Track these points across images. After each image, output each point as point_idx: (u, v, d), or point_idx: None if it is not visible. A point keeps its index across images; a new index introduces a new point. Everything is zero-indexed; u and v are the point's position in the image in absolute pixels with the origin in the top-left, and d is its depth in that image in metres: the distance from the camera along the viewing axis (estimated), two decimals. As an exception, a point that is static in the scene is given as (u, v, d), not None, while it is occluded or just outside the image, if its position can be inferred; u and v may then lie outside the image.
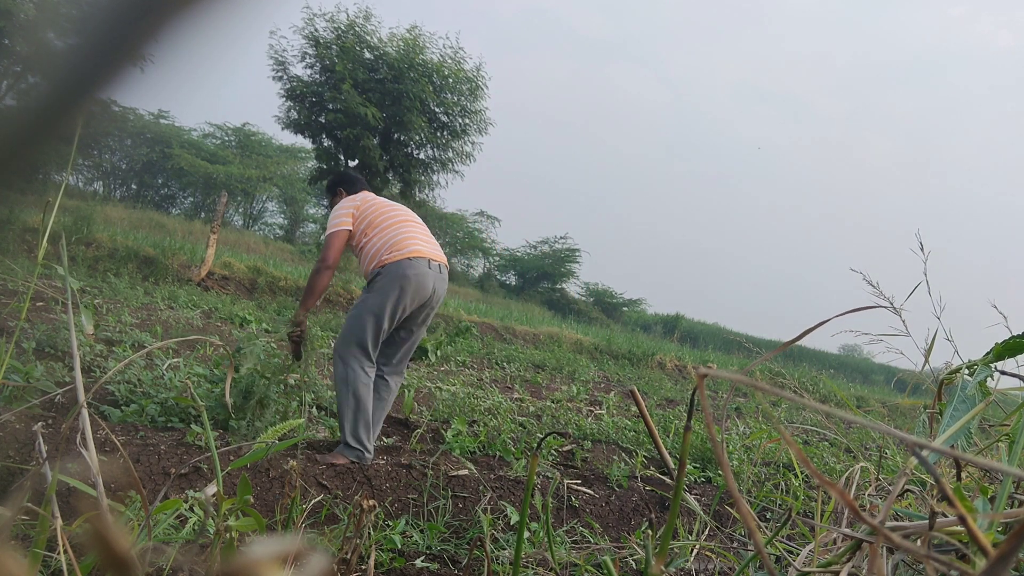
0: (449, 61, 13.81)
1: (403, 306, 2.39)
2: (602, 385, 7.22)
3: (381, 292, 2.37)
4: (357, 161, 13.71)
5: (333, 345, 2.52)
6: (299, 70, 13.63)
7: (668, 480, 2.89)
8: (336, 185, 2.80)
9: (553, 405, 4.54)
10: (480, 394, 4.49)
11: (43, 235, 0.93)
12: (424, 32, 13.63)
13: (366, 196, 2.62)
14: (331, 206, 2.73)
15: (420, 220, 2.64)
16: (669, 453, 3.08)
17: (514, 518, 2.16)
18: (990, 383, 0.83)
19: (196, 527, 1.66)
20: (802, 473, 2.73)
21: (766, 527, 2.00)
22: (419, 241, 2.48)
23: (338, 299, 9.33)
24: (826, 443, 4.32)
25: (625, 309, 31.87)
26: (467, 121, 14.50)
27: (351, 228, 2.52)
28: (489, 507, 2.26)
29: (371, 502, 1.05)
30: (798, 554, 0.93)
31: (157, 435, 2.32)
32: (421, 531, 2.04)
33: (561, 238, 30.20)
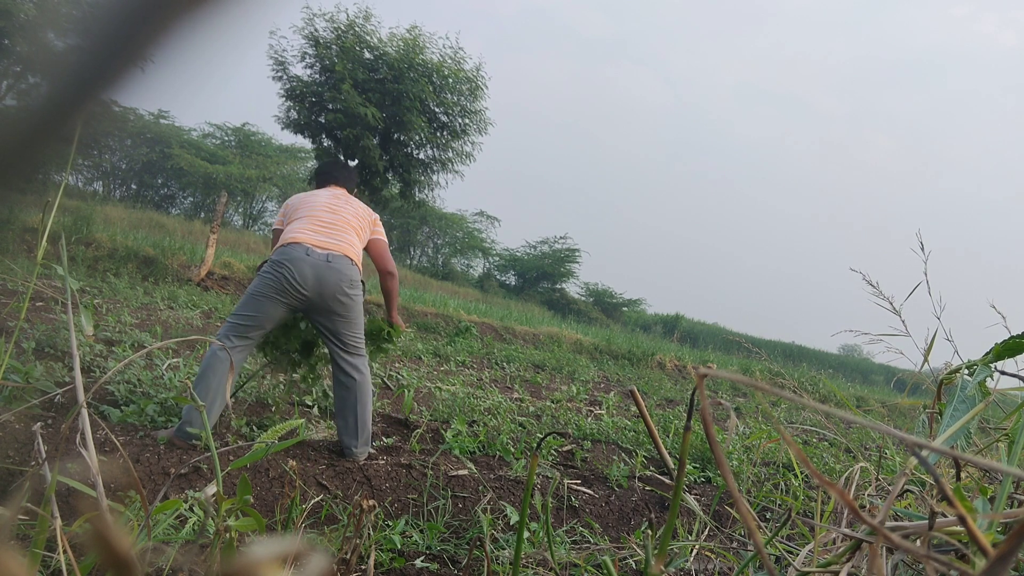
0: (449, 61, 13.80)
1: (281, 287, 2.41)
2: (602, 385, 7.22)
3: (260, 276, 2.49)
4: (357, 161, 13.71)
5: None
6: (299, 70, 13.63)
7: (668, 480, 2.89)
8: (316, 177, 2.99)
9: (553, 405, 4.54)
10: (480, 394, 4.49)
11: (43, 235, 0.93)
12: (424, 32, 13.61)
13: (301, 197, 2.76)
14: None
15: (334, 211, 2.65)
16: (669, 453, 3.08)
17: (514, 518, 2.16)
18: (990, 383, 0.83)
19: (196, 527, 1.66)
20: (802, 473, 2.73)
21: (766, 527, 2.00)
22: (305, 232, 2.54)
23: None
24: (826, 443, 4.32)
25: (625, 309, 31.88)
26: (467, 121, 14.49)
27: (281, 227, 2.72)
28: (489, 507, 2.26)
29: (371, 502, 1.05)
30: (798, 554, 0.93)
31: (157, 435, 2.32)
32: (421, 531, 2.04)
33: (561, 238, 30.25)
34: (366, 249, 2.78)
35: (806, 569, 0.78)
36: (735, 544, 1.81)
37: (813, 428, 3.52)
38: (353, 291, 2.54)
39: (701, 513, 1.72)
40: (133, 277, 7.80)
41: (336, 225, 2.60)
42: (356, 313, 2.58)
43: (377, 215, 2.84)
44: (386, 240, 2.83)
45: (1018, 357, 0.86)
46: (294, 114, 13.68)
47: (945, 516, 0.60)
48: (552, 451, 3.10)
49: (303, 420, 1.80)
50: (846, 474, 1.28)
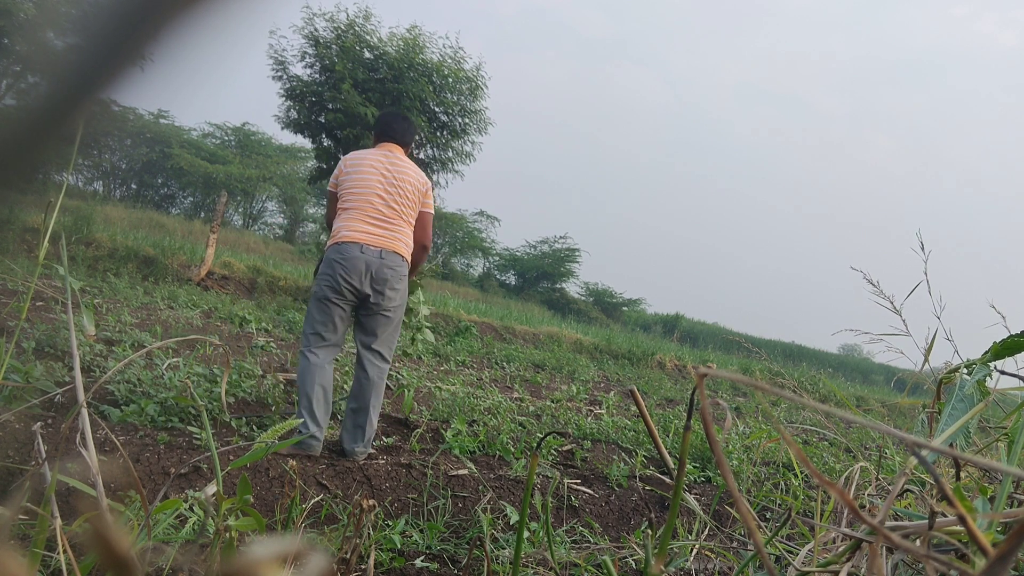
0: (449, 61, 13.79)
1: (339, 287, 2.51)
2: (602, 385, 7.22)
3: (318, 279, 2.57)
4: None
5: None
6: (299, 70, 13.60)
7: (668, 480, 2.89)
8: (374, 129, 2.87)
9: (553, 405, 4.54)
10: (480, 394, 4.49)
11: (44, 235, 0.93)
12: (424, 32, 13.59)
13: (356, 165, 2.65)
14: None
15: (388, 200, 2.62)
16: (669, 453, 3.08)
17: (514, 518, 2.16)
18: (989, 383, 0.83)
19: (196, 527, 1.66)
20: (802, 473, 2.73)
21: (766, 527, 2.00)
22: (358, 229, 2.55)
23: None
24: (826, 443, 4.32)
25: (625, 309, 31.86)
26: (467, 121, 14.49)
27: (334, 191, 2.68)
28: (489, 507, 2.26)
29: (371, 502, 1.06)
30: (798, 554, 0.93)
31: (157, 435, 2.32)
32: (421, 531, 2.04)
33: (561, 238, 30.22)
34: None
35: (806, 569, 0.78)
36: (735, 544, 1.81)
37: (813, 428, 3.52)
38: (400, 286, 2.63)
39: (701, 513, 1.72)
40: (133, 277, 7.80)
41: (390, 219, 2.61)
42: (398, 315, 2.68)
43: (430, 183, 2.80)
44: (433, 212, 2.81)
45: (1017, 356, 0.86)
46: (294, 114, 13.68)
47: (945, 516, 0.60)
48: (552, 451, 3.10)
49: (303, 419, 1.80)
50: (846, 474, 1.28)
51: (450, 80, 13.71)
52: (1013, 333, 0.84)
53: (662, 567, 0.55)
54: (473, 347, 8.08)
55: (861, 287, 1.36)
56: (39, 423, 1.32)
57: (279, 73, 13.69)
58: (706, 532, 2.09)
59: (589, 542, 2.15)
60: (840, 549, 0.81)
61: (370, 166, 2.63)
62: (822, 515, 1.15)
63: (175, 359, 3.45)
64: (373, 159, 2.65)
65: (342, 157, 2.72)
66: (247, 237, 19.69)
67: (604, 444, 3.47)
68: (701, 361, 12.24)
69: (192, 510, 1.71)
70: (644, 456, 3.18)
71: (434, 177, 15.32)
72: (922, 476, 1.09)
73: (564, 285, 30.53)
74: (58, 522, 0.74)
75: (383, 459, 2.58)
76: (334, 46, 13.21)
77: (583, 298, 30.88)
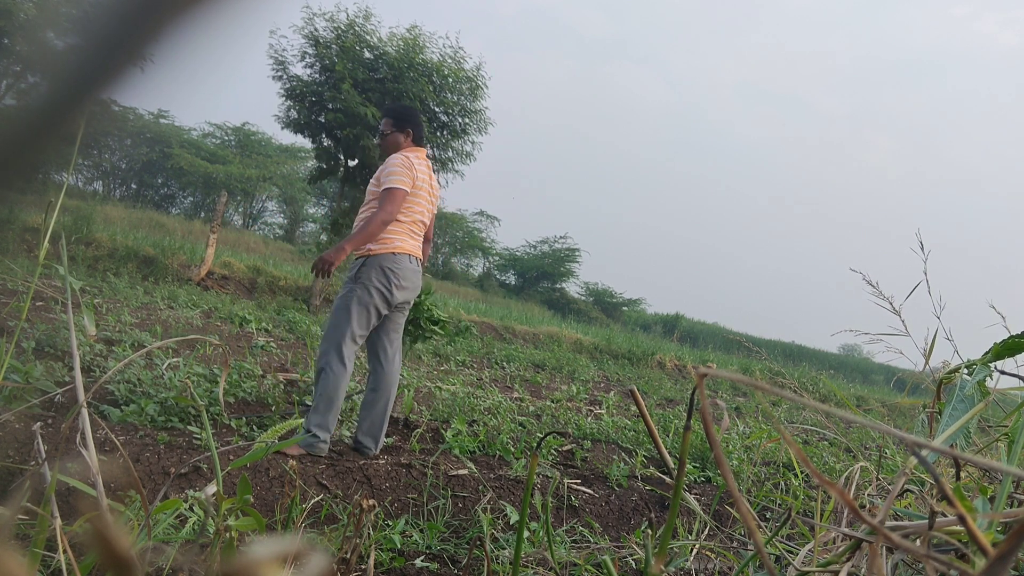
0: (449, 61, 13.78)
1: (391, 300, 2.58)
2: (602, 385, 7.23)
3: (371, 287, 2.53)
4: (357, 161, 13.72)
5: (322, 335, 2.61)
6: (299, 70, 13.60)
7: (668, 480, 2.89)
8: (406, 122, 2.72)
9: (553, 405, 4.54)
10: (480, 394, 4.49)
11: (44, 235, 0.93)
12: (424, 32, 13.60)
13: (419, 177, 2.62)
14: (384, 135, 2.72)
15: (429, 213, 2.74)
16: (669, 453, 3.08)
17: (514, 518, 2.16)
18: (989, 383, 0.83)
19: (196, 527, 1.66)
20: (802, 473, 2.73)
21: (766, 527, 2.00)
22: (407, 242, 2.63)
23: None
24: (826, 443, 4.32)
25: (625, 309, 31.88)
26: (467, 121, 14.48)
27: (408, 191, 2.56)
28: (489, 507, 2.26)
29: (371, 502, 1.06)
30: (798, 554, 0.93)
31: (157, 435, 2.32)
32: (421, 531, 2.04)
33: (561, 238, 30.26)
34: None
35: (806, 568, 0.78)
36: (735, 543, 1.81)
37: (813, 428, 3.52)
38: None
39: (701, 512, 1.72)
40: (133, 277, 7.80)
41: (423, 234, 2.75)
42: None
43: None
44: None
45: (1018, 357, 0.86)
46: (294, 114, 13.68)
47: (945, 516, 0.60)
48: (552, 451, 3.10)
49: (303, 419, 1.80)
50: (846, 474, 1.28)
51: (450, 80, 13.70)
52: (1013, 334, 0.84)
53: (662, 567, 0.55)
54: (473, 347, 8.08)
55: (861, 287, 1.36)
56: (39, 423, 1.32)
57: (279, 73, 13.68)
58: (706, 532, 2.09)
59: (589, 542, 2.15)
60: (840, 549, 0.81)
61: (427, 187, 2.68)
62: (822, 515, 1.16)
63: (175, 359, 3.45)
64: (427, 180, 2.69)
65: (408, 157, 2.60)
66: (247, 237, 19.70)
67: (604, 444, 3.47)
68: (701, 361, 12.24)
69: (192, 510, 1.71)
70: (644, 456, 3.18)
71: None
72: (922, 476, 1.09)
73: (564, 285, 30.55)
74: (58, 522, 0.74)
75: (383, 459, 2.58)
76: (334, 46, 13.21)
77: (583, 298, 30.89)
